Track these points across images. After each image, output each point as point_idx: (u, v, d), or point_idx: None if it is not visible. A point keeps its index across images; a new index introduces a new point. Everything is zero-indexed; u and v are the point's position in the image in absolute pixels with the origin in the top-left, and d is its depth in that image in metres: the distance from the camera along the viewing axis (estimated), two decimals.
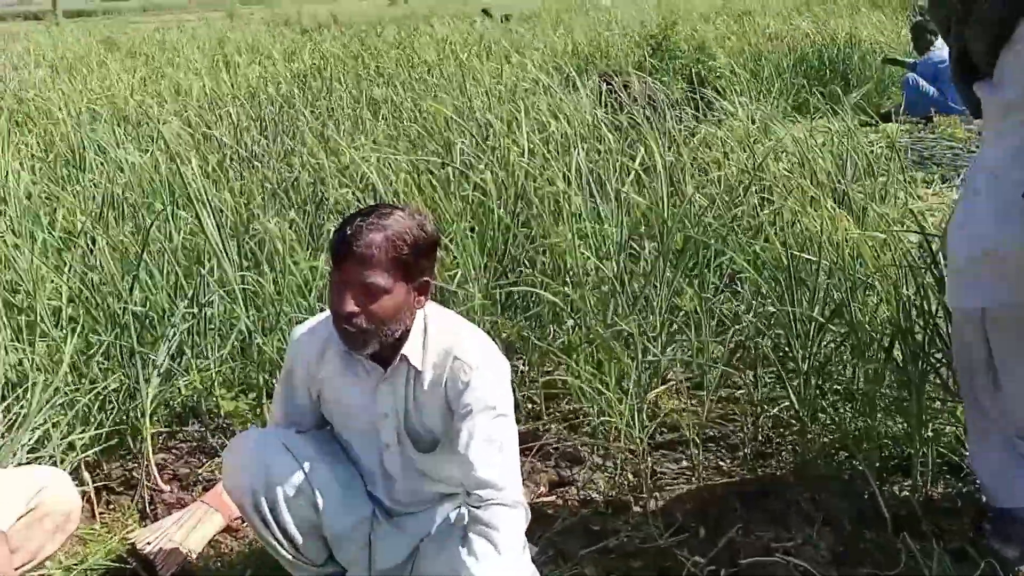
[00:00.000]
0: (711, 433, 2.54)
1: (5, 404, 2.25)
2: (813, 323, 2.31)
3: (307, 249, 3.03)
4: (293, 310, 2.61)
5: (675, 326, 2.75)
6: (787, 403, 2.39)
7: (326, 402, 1.78)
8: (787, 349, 2.38)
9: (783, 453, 2.45)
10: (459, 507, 1.78)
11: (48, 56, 9.87)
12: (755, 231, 3.00)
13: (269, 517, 1.69)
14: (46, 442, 2.21)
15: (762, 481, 2.31)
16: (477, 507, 1.58)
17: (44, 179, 3.94)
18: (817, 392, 2.36)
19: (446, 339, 1.67)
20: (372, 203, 3.42)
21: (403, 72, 6.59)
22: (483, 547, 1.55)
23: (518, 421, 2.67)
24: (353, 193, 3.50)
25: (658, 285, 2.65)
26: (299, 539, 1.72)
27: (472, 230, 3.21)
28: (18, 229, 3.10)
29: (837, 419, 2.39)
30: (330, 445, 1.80)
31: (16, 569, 1.68)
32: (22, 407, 2.22)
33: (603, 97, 4.77)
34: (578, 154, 3.25)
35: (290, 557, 1.75)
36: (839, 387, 2.44)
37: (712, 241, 2.87)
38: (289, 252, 2.81)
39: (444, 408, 1.66)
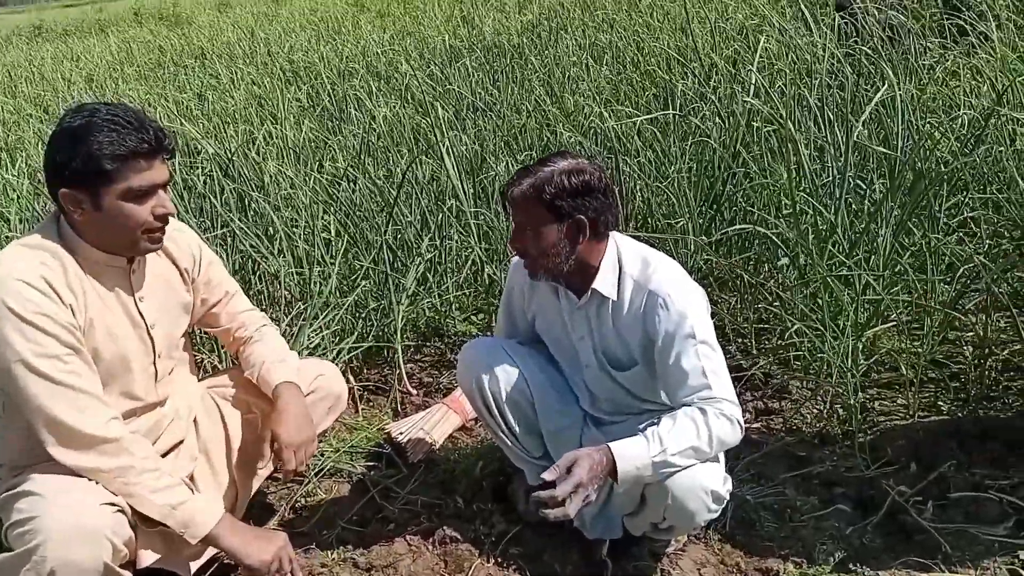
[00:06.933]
0: (932, 375, 2.47)
1: (293, 313, 2.76)
2: None
3: None
4: None
5: (899, 267, 2.67)
6: (1019, 346, 2.27)
7: (538, 324, 2.01)
8: None
9: (1010, 397, 2.33)
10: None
11: (310, 19, 11.03)
12: (999, 169, 2.80)
13: (493, 407, 1.97)
14: (320, 347, 2.68)
15: (984, 423, 2.23)
16: (693, 403, 1.67)
17: (312, 127, 4.54)
18: None
19: (640, 273, 1.78)
20: (594, 145, 3.61)
21: (629, 17, 6.63)
22: (683, 418, 1.62)
23: (728, 354, 2.77)
24: (576, 139, 3.70)
25: (884, 224, 2.59)
26: (516, 428, 1.98)
27: (690, 171, 3.28)
28: (297, 171, 3.66)
29: None
30: (546, 358, 2.02)
31: None
32: (303, 317, 2.72)
33: (840, 29, 4.53)
34: (804, 92, 3.19)
35: (509, 443, 2.02)
36: None
37: (946, 180, 2.72)
38: None
39: (643, 337, 1.78)
